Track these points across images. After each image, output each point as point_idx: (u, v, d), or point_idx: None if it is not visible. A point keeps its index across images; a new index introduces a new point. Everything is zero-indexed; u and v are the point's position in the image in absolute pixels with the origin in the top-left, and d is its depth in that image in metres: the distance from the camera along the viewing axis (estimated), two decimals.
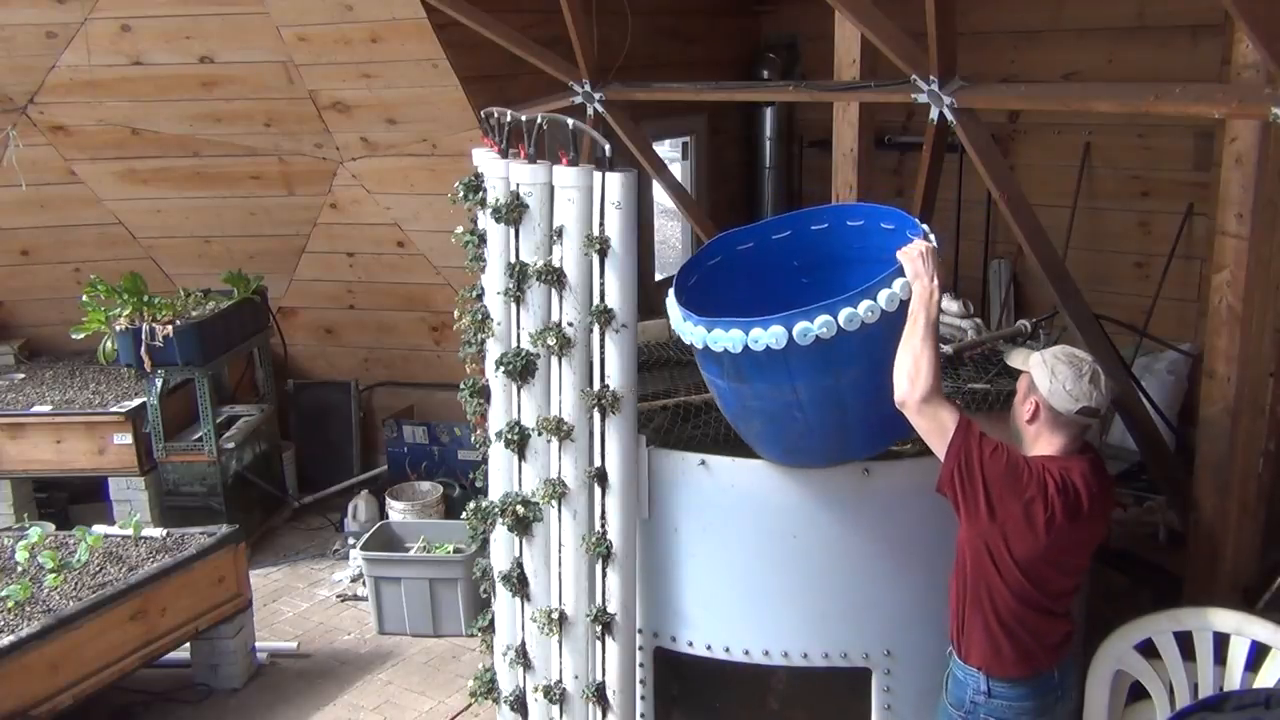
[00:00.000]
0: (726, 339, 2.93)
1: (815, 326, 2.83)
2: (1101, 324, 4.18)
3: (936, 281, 2.86)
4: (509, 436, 3.47)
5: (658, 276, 7.95)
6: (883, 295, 2.87)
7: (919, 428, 2.82)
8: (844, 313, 2.84)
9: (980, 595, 2.85)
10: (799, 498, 3.26)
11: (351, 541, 5.71)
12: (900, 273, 2.91)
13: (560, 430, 3.35)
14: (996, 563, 2.79)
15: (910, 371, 2.78)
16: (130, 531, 4.69)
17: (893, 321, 2.88)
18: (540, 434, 3.41)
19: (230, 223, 6.30)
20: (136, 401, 5.65)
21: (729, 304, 3.19)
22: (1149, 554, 5.01)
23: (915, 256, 2.89)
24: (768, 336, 2.86)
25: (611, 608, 3.39)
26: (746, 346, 2.90)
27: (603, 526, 3.36)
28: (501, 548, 3.63)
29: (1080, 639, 3.06)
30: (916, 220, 3.14)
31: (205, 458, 5.62)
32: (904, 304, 2.88)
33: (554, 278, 3.30)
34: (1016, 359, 2.99)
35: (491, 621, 3.81)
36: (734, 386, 3.11)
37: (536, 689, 3.59)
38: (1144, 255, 6.54)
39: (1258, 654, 3.04)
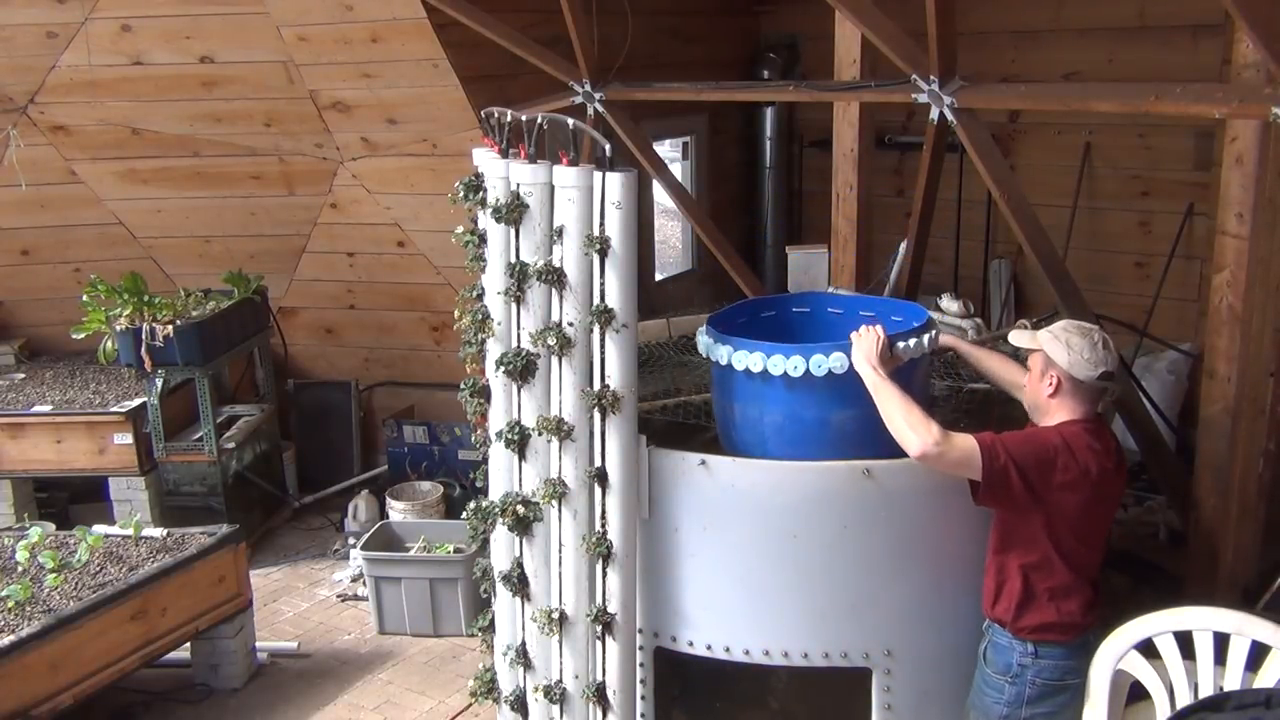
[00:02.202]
0: (706, 346, 3.44)
1: (749, 358, 3.24)
2: (1102, 324, 4.18)
3: (873, 350, 3.08)
4: (509, 436, 3.47)
5: (658, 276, 7.96)
6: (815, 359, 3.17)
7: (948, 468, 2.93)
8: (773, 358, 3.19)
9: (1034, 567, 2.99)
10: (799, 498, 3.26)
11: (352, 541, 5.71)
12: (840, 347, 3.19)
13: (560, 430, 3.35)
14: (1051, 534, 2.95)
15: (908, 423, 2.92)
16: (130, 531, 4.69)
17: (815, 389, 3.20)
18: (540, 434, 3.41)
19: (230, 223, 6.31)
20: (137, 401, 5.65)
21: None
22: (1149, 554, 5.02)
23: (859, 333, 3.15)
24: (719, 352, 3.33)
25: (612, 608, 3.39)
26: (706, 354, 3.40)
27: (603, 526, 3.36)
28: (501, 548, 3.63)
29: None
30: (924, 310, 3.55)
31: (205, 458, 5.62)
32: (833, 374, 3.16)
33: (554, 278, 3.30)
34: (1021, 339, 3.14)
35: (492, 621, 3.81)
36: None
37: (537, 689, 3.58)
38: (1144, 255, 6.54)
39: (1258, 654, 3.04)
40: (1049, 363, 3.00)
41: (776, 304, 3.89)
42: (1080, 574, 3.01)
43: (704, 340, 3.43)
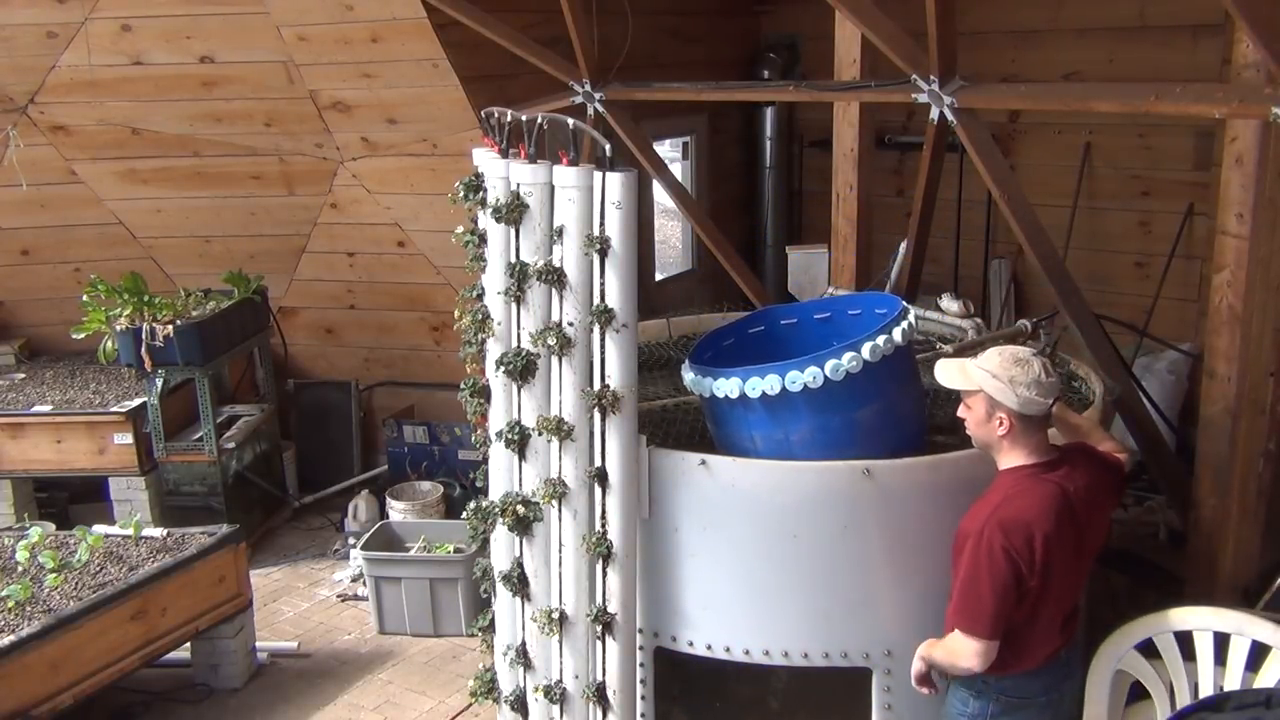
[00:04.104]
0: (698, 384, 3.37)
1: (763, 382, 3.18)
2: (1102, 324, 4.18)
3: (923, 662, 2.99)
4: (509, 436, 3.47)
5: (658, 276, 7.96)
6: (830, 364, 3.14)
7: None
8: (790, 374, 3.15)
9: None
10: (799, 498, 3.26)
11: (352, 541, 5.71)
12: (849, 346, 3.15)
13: (560, 430, 3.35)
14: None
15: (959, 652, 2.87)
16: (130, 531, 4.69)
17: (836, 394, 3.16)
18: (540, 434, 3.41)
19: (230, 223, 6.30)
20: (137, 401, 5.65)
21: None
22: (1149, 554, 5.02)
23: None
24: (728, 386, 3.25)
25: (612, 607, 3.39)
26: (713, 394, 3.30)
27: (603, 526, 3.36)
28: (502, 547, 3.63)
29: (1082, 636, 3.08)
30: (882, 294, 3.57)
31: (205, 458, 5.62)
32: (850, 374, 3.12)
33: (554, 277, 3.30)
34: (952, 377, 2.93)
35: (492, 621, 3.81)
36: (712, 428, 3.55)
37: (537, 689, 3.58)
38: (1144, 255, 6.54)
39: (1258, 654, 3.04)
40: (994, 404, 2.80)
41: (733, 331, 3.84)
42: (1044, 623, 2.87)
43: (701, 380, 3.34)
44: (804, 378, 3.14)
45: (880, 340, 3.18)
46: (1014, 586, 2.74)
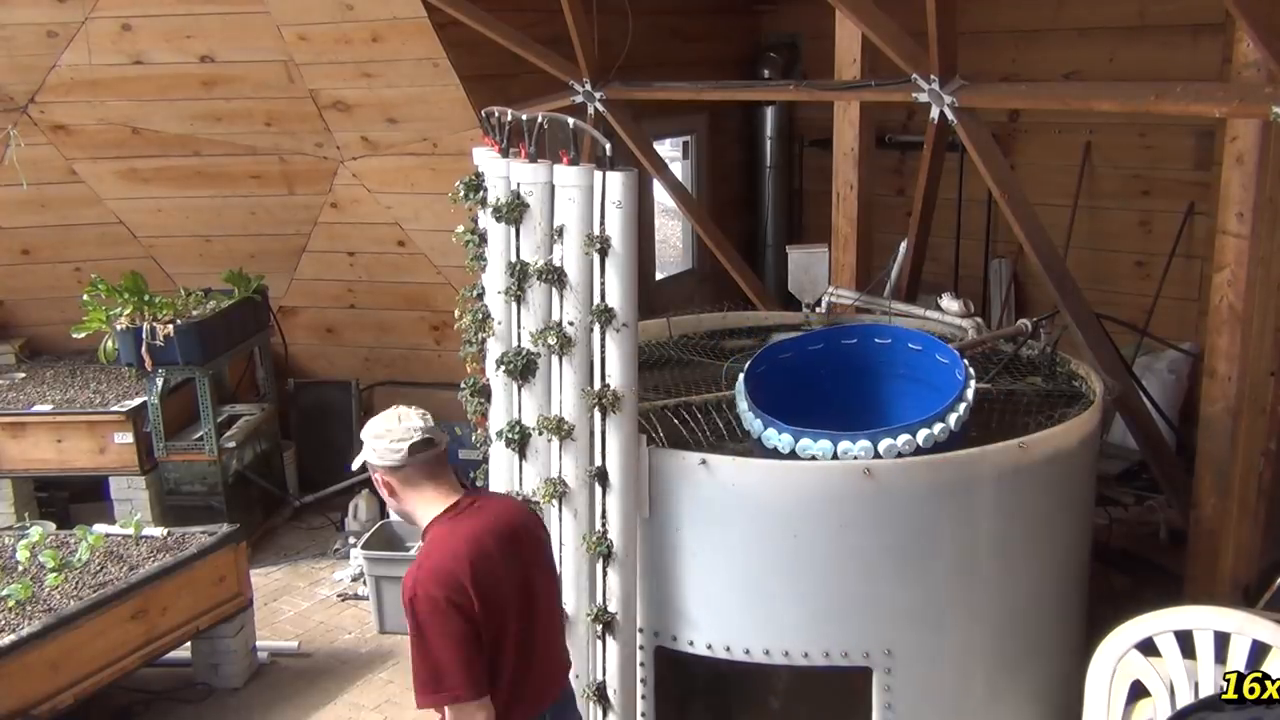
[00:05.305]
0: (778, 440, 3.34)
1: (855, 447, 3.22)
2: (1102, 323, 4.19)
3: None
4: (510, 436, 3.47)
5: (658, 276, 7.96)
6: (921, 433, 3.20)
7: None
8: (884, 443, 3.20)
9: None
10: (799, 498, 3.26)
11: (352, 540, 5.71)
12: (939, 417, 3.22)
13: (561, 429, 3.35)
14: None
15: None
16: (131, 531, 4.69)
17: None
18: (541, 433, 3.41)
19: (231, 222, 6.31)
20: (137, 401, 5.65)
21: (772, 401, 3.54)
22: (1150, 553, 5.03)
23: None
24: (816, 448, 3.26)
25: (612, 607, 3.39)
26: (793, 451, 3.30)
27: (603, 526, 3.37)
28: None
29: (1082, 638, 3.07)
30: (944, 343, 3.59)
31: (206, 457, 5.62)
32: (939, 444, 3.16)
33: (555, 277, 3.30)
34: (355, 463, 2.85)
35: None
36: None
37: None
38: (1145, 254, 6.54)
39: (1258, 653, 3.04)
40: (373, 470, 2.69)
41: (793, 346, 3.84)
42: (516, 673, 2.65)
43: (812, 444, 3.29)
44: (898, 445, 3.20)
45: (936, 429, 3.23)
46: (473, 636, 2.54)
